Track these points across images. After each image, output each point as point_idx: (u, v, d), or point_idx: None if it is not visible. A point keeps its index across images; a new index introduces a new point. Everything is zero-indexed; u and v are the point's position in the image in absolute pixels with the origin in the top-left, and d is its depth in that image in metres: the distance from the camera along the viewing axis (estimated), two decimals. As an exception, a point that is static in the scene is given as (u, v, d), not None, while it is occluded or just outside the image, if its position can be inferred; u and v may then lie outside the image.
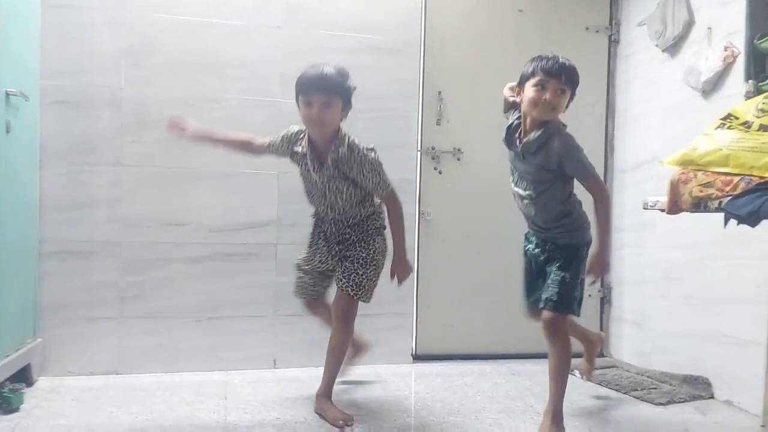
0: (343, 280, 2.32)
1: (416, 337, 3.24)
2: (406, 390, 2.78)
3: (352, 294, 2.30)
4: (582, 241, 2.23)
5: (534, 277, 2.32)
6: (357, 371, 2.79)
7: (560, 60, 2.13)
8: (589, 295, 3.45)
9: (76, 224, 2.80)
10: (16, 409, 2.29)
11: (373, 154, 2.32)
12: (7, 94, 2.31)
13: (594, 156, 3.46)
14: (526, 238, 2.38)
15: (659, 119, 3.11)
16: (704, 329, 2.75)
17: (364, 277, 2.32)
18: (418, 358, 3.22)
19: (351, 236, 2.38)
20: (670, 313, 2.99)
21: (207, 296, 2.94)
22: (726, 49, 2.62)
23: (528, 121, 2.16)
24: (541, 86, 2.11)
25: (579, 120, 3.44)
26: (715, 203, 1.70)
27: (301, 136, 2.36)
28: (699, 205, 1.76)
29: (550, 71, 2.10)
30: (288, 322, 3.03)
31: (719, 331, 2.66)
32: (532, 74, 2.14)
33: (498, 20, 3.37)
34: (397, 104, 3.18)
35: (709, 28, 2.75)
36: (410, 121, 3.21)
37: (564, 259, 2.18)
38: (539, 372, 3.00)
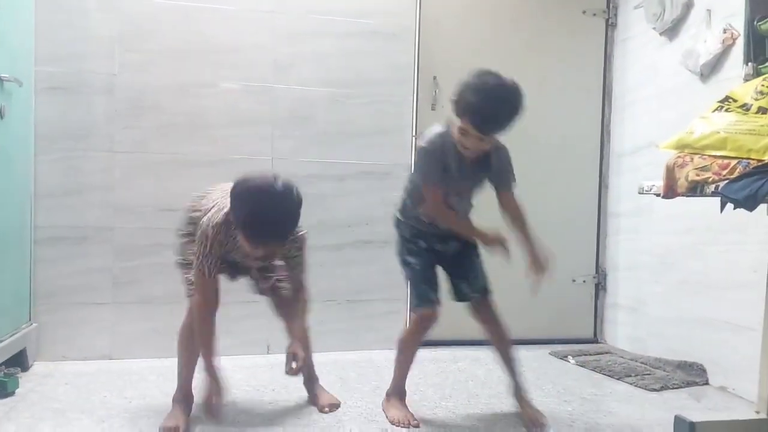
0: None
1: (409, 322, 3.23)
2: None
3: None
4: None
5: (432, 269, 2.19)
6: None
7: (501, 113, 1.88)
8: (584, 281, 3.46)
9: (69, 210, 2.79)
10: (11, 393, 2.29)
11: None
12: (1, 80, 2.30)
13: (590, 141, 3.47)
14: (418, 238, 2.20)
15: (657, 103, 3.09)
16: (700, 315, 2.74)
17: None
18: (413, 343, 3.21)
19: None
20: (665, 298, 2.98)
21: (201, 282, 2.93)
22: (725, 31, 2.59)
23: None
24: (475, 136, 1.92)
25: (575, 104, 3.44)
26: (712, 187, 1.68)
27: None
28: (695, 189, 1.74)
29: (483, 130, 1.91)
30: (282, 308, 3.02)
31: (715, 317, 2.66)
32: (464, 114, 1.91)
33: (494, 4, 3.33)
34: (392, 89, 3.15)
35: (708, 10, 2.72)
36: (405, 106, 3.18)
37: (475, 250, 2.22)
38: (531, 358, 3.01)
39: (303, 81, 3.06)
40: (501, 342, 2.24)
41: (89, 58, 2.79)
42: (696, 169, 1.74)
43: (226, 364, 2.79)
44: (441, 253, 2.21)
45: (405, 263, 2.22)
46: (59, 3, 2.75)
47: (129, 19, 2.83)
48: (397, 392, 2.26)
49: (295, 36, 3.02)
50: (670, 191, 1.82)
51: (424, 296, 2.14)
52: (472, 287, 2.20)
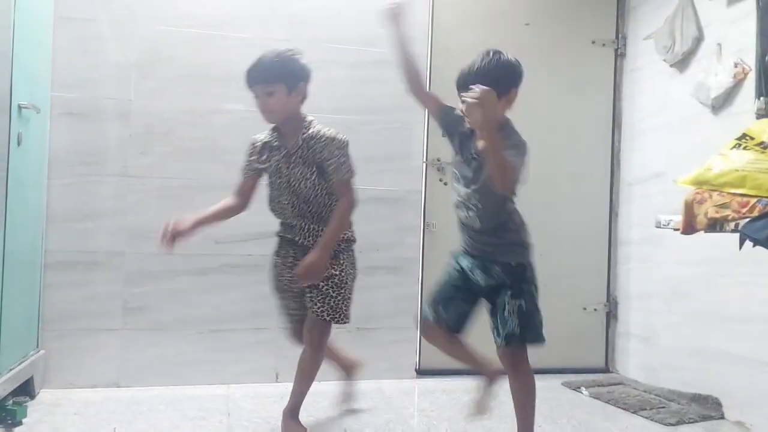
0: (318, 303, 2.16)
1: (420, 351, 3.21)
2: (411, 407, 2.74)
3: (328, 319, 2.17)
4: (526, 261, 2.00)
5: (459, 292, 2.04)
6: (359, 392, 2.68)
7: (471, 68, 1.99)
8: (594, 310, 3.44)
9: (81, 235, 2.78)
10: (19, 423, 2.26)
11: (341, 135, 2.24)
12: (20, 107, 2.31)
13: (600, 168, 3.48)
14: (461, 257, 2.07)
15: (666, 134, 3.10)
16: (714, 347, 2.72)
17: (339, 299, 2.18)
18: (421, 372, 3.19)
19: None
20: (678, 329, 2.97)
21: (210, 308, 2.92)
22: (736, 65, 2.61)
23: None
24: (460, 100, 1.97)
25: (584, 132, 3.46)
26: (732, 225, 1.68)
27: (273, 133, 2.31)
28: (715, 226, 1.74)
29: (457, 85, 2.01)
30: (292, 336, 3.00)
31: (729, 350, 2.64)
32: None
33: (504, 34, 3.35)
34: (403, 116, 3.16)
35: (718, 44, 2.74)
36: (416, 133, 3.19)
37: (514, 286, 1.96)
38: (544, 388, 2.94)
39: (315, 108, 3.03)
40: (516, 392, 1.99)
41: (105, 84, 2.81)
42: (715, 206, 1.74)
43: (234, 392, 2.79)
44: (469, 277, 2.03)
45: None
46: (76, 30, 2.77)
47: (145, 46, 2.85)
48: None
49: (308, 63, 3.03)
50: (689, 227, 1.82)
51: (425, 308, 2.10)
52: (497, 330, 1.98)
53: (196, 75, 2.91)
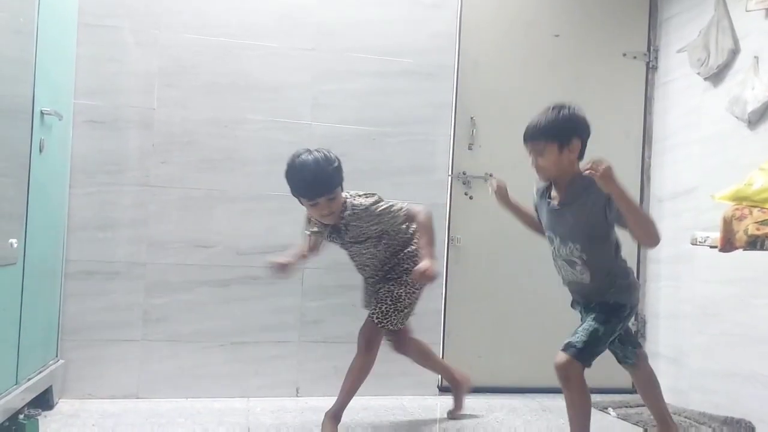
0: (374, 307, 2.42)
1: (443, 367, 3.14)
2: (433, 425, 2.67)
3: (377, 322, 2.36)
4: (629, 302, 2.08)
5: None
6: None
7: (536, 121, 2.07)
8: (622, 328, 3.35)
9: (101, 244, 2.77)
10: (29, 437, 2.22)
11: (367, 200, 2.35)
12: (42, 113, 2.29)
13: (629, 183, 3.37)
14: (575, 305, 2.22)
15: (700, 148, 3.01)
16: (746, 369, 2.63)
17: (392, 309, 2.39)
18: (444, 389, 3.11)
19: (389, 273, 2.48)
20: (708, 350, 2.87)
21: (231, 320, 2.88)
22: (774, 79, 2.53)
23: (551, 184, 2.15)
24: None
25: (614, 146, 3.38)
26: (775, 243, 1.61)
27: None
28: (755, 243, 1.67)
29: (524, 137, 2.10)
30: (312, 350, 2.95)
31: (763, 372, 2.54)
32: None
33: (533, 45, 3.31)
34: (429, 128, 3.12)
35: (755, 57, 2.66)
36: (442, 146, 3.15)
37: (604, 314, 2.03)
38: (571, 408, 2.89)
39: (340, 119, 3.04)
40: (567, 407, 2.09)
41: (128, 92, 2.80)
42: (756, 222, 1.67)
43: (254, 405, 2.74)
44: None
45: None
46: (100, 37, 2.76)
47: (169, 54, 2.84)
48: None
49: (334, 74, 3.02)
50: (728, 244, 1.75)
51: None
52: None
53: (219, 84, 2.90)
